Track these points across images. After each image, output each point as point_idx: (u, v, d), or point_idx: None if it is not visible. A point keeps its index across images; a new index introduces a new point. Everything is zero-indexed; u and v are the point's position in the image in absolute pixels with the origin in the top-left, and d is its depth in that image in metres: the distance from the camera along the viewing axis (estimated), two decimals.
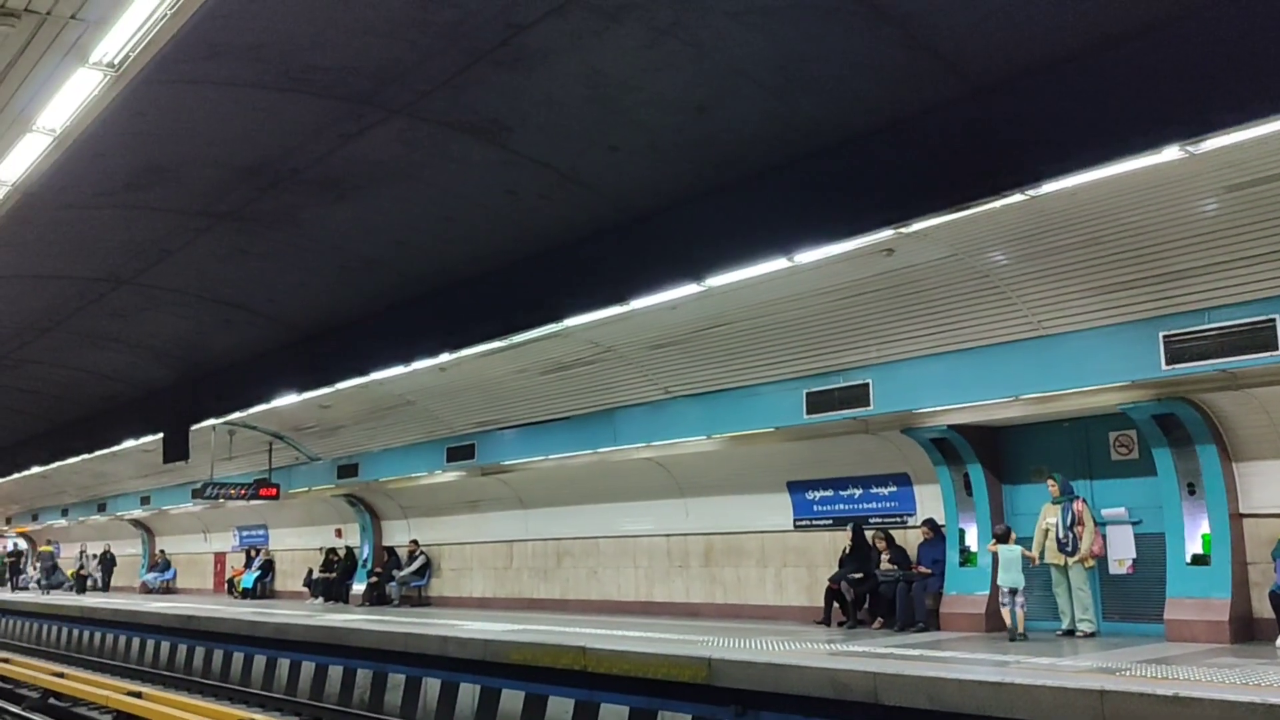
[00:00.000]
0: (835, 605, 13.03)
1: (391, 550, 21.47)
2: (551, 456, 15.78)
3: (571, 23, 8.53)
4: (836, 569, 13.26)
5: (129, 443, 22.87)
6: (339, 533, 23.42)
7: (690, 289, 10.79)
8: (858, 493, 13.64)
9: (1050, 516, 10.97)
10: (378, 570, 21.21)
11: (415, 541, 20.76)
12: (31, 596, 29.75)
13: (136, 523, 31.42)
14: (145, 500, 28.19)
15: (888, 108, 9.19)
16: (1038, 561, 11.12)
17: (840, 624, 12.92)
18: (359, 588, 21.39)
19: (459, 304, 14.16)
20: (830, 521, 13.84)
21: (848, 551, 13.20)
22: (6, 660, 18.39)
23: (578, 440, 15.15)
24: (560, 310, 12.20)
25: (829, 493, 13.91)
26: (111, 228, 13.14)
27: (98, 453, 25.00)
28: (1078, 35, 7.94)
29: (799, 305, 11.14)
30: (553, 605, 17.52)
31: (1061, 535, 10.80)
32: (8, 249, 11.95)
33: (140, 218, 12.81)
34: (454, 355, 14.16)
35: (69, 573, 32.28)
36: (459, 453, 17.23)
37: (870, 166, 9.53)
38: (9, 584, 33.99)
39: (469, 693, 12.16)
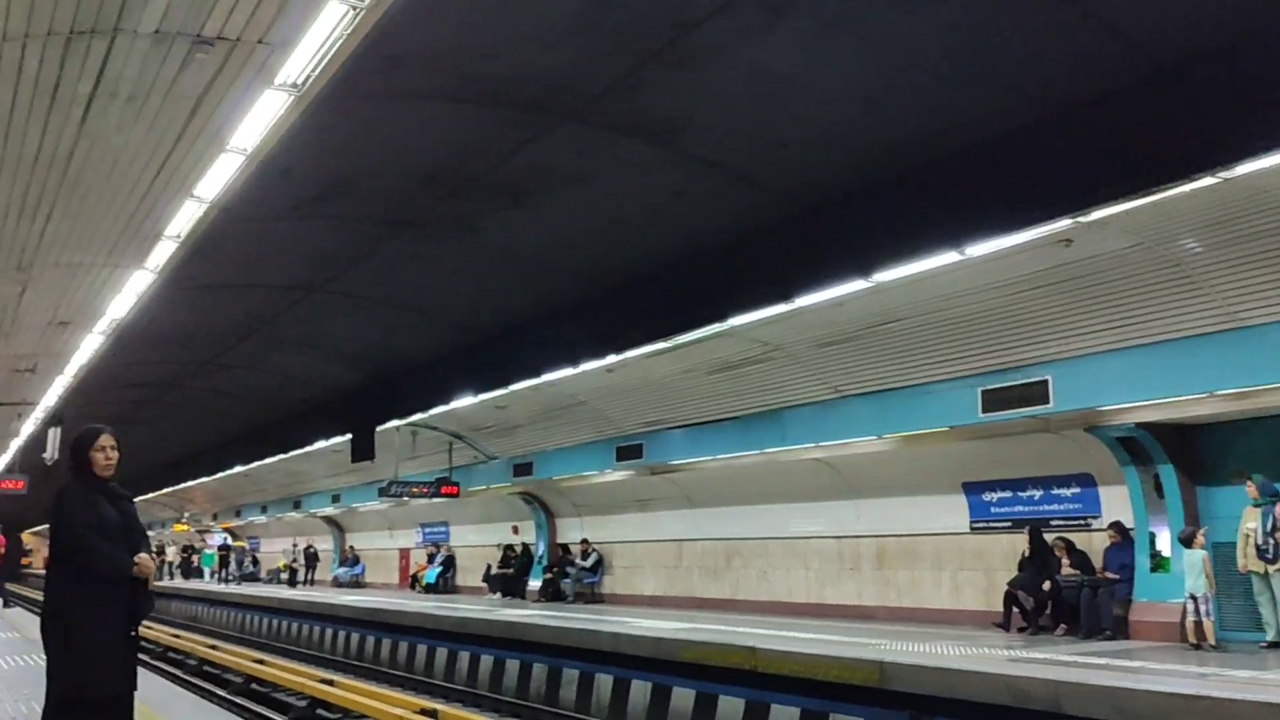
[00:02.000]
0: (1015, 611, 12.55)
1: (565, 547, 21.91)
2: (719, 457, 15.80)
3: (738, 20, 8.54)
4: (1015, 573, 12.78)
5: (320, 443, 24.07)
6: (515, 530, 24.02)
7: (858, 285, 10.61)
8: (1038, 494, 13.11)
9: (1250, 521, 10.26)
10: (552, 567, 21.68)
11: (585, 540, 21.15)
12: (233, 588, 31.82)
13: (328, 519, 33.08)
14: (336, 498, 29.68)
15: (1065, 92, 8.82)
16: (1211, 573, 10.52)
17: (1020, 630, 12.44)
18: (535, 584, 21.92)
19: (626, 305, 14.35)
20: (1009, 524, 13.34)
21: (1026, 556, 12.71)
22: (214, 647, 19.69)
23: (745, 440, 15.11)
24: (726, 309, 12.21)
25: (1007, 494, 13.42)
26: (303, 239, 13.92)
27: (292, 453, 26.42)
28: (1268, 8, 7.42)
29: (972, 300, 10.80)
30: (723, 605, 17.52)
31: (1261, 541, 10.08)
32: (209, 262, 12.78)
33: (329, 228, 13.52)
34: (620, 356, 14.35)
35: (280, 565, 34.32)
36: (628, 452, 17.46)
37: (1046, 154, 9.16)
38: (217, 576, 36.36)
39: (641, 690, 12.29)
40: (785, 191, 11.48)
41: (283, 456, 27.07)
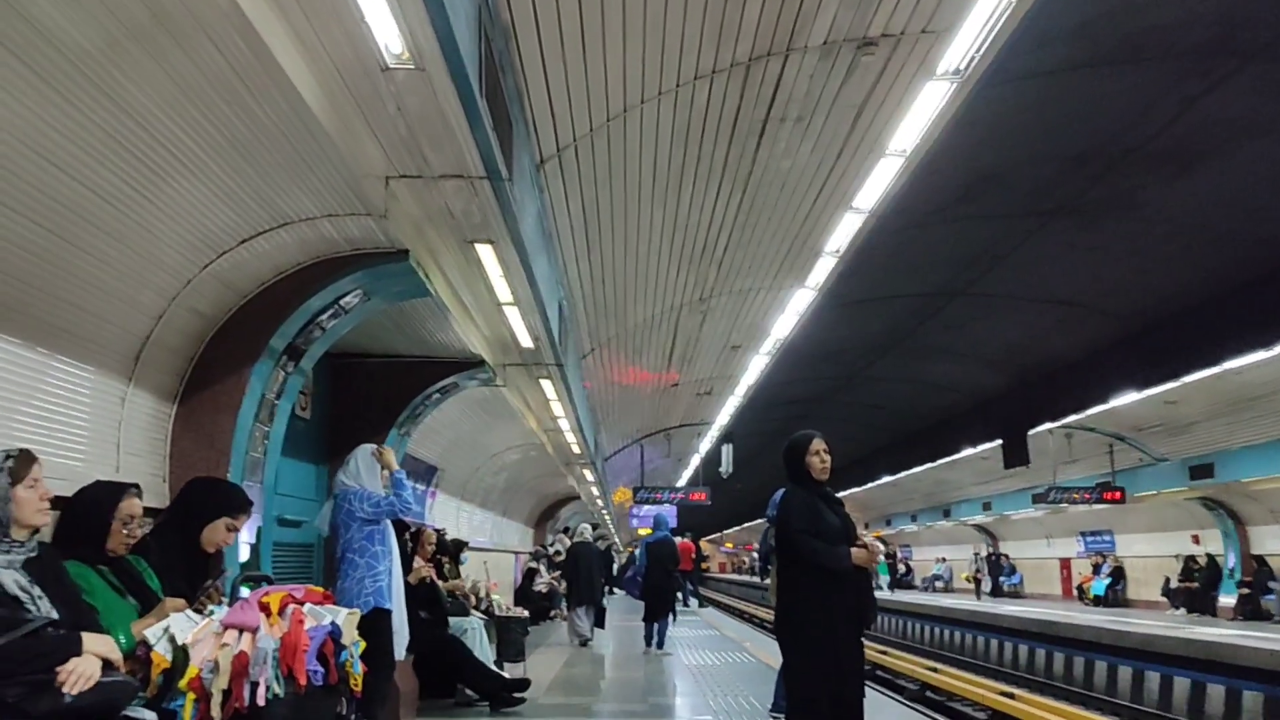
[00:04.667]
0: None
1: (1262, 559, 19.15)
2: None
3: None
4: None
5: (967, 450, 23.82)
6: (1195, 539, 21.64)
7: None
8: None
9: None
10: (1248, 580, 19.06)
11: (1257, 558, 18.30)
12: (891, 595, 32.57)
13: (979, 527, 32.64)
14: (986, 505, 29.15)
15: None
16: None
17: None
18: (1228, 600, 19.44)
19: None
20: None
21: None
22: (884, 652, 20.18)
23: None
24: None
25: None
26: (943, 242, 13.77)
27: (939, 461, 26.47)
28: None
29: None
30: None
31: None
32: (857, 276, 13.02)
33: (970, 228, 13.21)
34: None
35: (962, 576, 34.61)
36: None
37: None
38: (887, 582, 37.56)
39: None
40: None
41: (929, 465, 27.22)
